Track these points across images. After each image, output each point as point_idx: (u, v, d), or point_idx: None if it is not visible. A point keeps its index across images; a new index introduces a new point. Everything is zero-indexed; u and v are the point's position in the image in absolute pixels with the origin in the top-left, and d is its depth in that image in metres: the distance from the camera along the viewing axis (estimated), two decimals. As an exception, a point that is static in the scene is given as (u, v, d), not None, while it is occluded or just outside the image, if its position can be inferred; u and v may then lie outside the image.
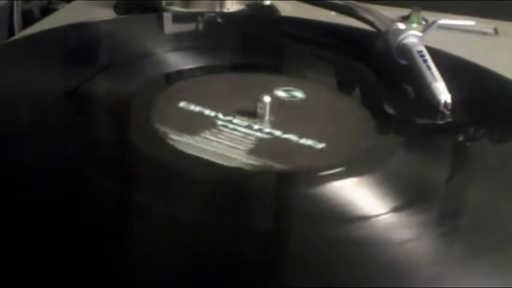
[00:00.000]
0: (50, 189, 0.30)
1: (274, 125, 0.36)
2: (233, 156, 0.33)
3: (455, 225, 0.30)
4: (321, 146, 0.35)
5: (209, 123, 0.36)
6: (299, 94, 0.41)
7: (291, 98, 0.40)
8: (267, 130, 0.36)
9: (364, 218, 0.29)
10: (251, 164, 0.32)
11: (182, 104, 0.38)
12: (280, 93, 0.40)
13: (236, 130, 0.36)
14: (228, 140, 0.35)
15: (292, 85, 0.41)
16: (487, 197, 0.32)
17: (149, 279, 0.24)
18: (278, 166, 0.33)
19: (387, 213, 0.29)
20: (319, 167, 0.33)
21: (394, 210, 0.30)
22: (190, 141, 0.34)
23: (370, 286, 0.25)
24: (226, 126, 0.36)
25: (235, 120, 0.37)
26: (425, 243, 0.28)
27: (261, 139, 0.35)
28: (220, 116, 0.37)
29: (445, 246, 0.28)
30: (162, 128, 0.35)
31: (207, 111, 0.37)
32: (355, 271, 0.26)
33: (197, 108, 0.38)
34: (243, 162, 0.33)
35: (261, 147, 0.34)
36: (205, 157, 0.33)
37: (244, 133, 0.35)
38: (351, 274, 0.26)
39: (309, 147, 0.35)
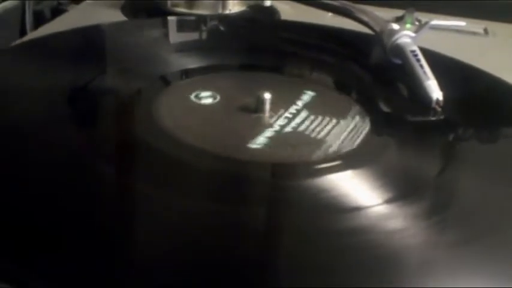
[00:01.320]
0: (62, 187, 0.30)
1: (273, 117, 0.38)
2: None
3: (446, 216, 0.31)
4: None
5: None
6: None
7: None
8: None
9: (359, 209, 0.30)
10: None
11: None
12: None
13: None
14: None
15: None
16: (476, 189, 0.33)
17: (150, 278, 0.25)
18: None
19: (381, 204, 0.31)
20: (317, 160, 0.34)
21: (388, 201, 0.31)
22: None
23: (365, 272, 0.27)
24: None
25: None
26: (417, 232, 0.29)
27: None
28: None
29: (435, 234, 0.30)
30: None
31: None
32: (350, 259, 0.27)
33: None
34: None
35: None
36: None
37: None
38: (346, 262, 0.27)
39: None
